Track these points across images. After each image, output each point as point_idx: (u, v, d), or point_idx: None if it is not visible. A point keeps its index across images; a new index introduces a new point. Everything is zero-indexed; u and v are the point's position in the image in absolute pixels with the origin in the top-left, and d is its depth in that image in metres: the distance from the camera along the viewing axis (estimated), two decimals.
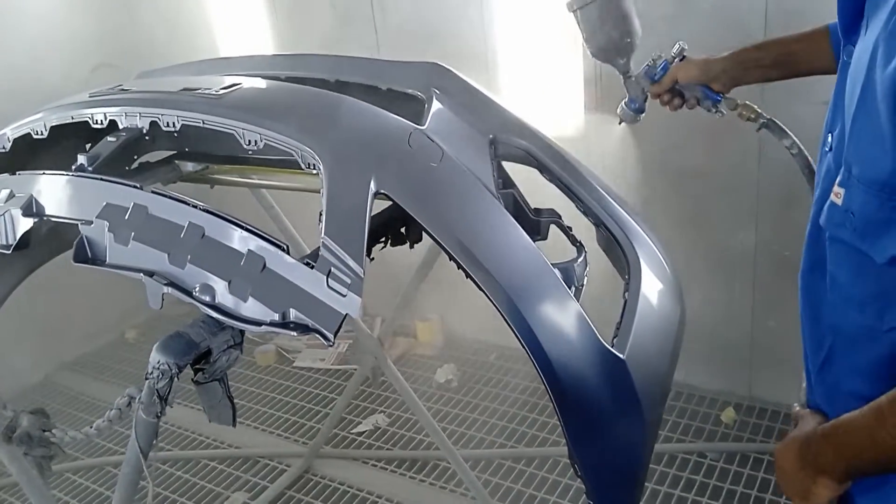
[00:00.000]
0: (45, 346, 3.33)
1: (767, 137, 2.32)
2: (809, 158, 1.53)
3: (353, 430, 2.74)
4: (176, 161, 1.79)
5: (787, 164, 2.34)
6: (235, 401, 2.83)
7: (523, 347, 1.06)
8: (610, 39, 1.49)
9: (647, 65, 1.53)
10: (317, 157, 1.16)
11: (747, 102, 1.54)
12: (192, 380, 1.12)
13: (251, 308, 1.07)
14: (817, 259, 1.02)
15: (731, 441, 2.45)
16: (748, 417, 2.55)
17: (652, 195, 2.51)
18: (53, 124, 1.45)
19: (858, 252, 0.88)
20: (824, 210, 0.94)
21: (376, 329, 3.17)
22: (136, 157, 1.78)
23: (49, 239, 1.56)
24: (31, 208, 1.30)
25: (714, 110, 1.53)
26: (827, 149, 1.00)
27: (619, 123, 1.62)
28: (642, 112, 1.59)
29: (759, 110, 1.55)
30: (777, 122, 1.55)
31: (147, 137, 1.85)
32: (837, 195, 0.89)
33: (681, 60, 1.51)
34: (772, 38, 1.44)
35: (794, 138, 1.55)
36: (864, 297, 0.91)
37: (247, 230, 1.11)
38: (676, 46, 1.51)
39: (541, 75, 2.65)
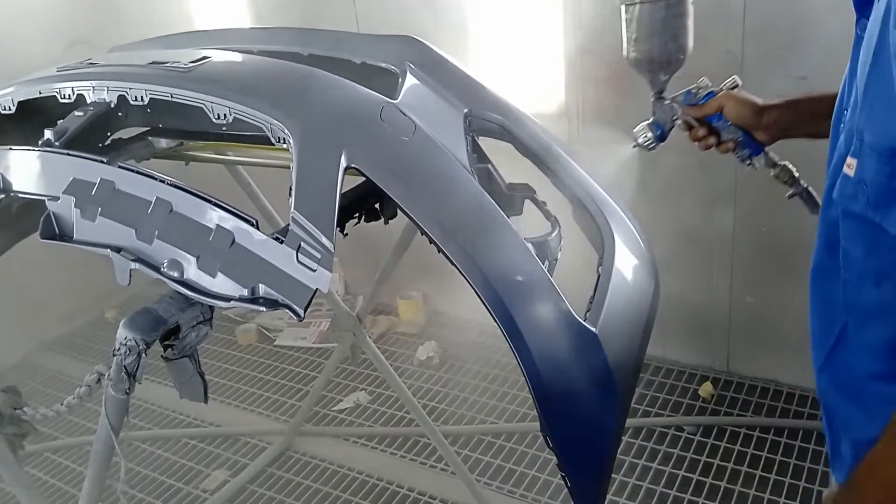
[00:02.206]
0: (23, 325, 3.30)
1: None
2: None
3: (335, 408, 2.74)
4: (149, 137, 1.76)
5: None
6: (216, 379, 2.83)
7: (494, 321, 1.06)
8: (664, 50, 1.27)
9: (689, 90, 1.31)
10: (286, 131, 1.15)
11: (787, 164, 1.32)
12: (162, 356, 1.11)
13: (220, 284, 1.06)
14: (830, 238, 0.99)
15: (708, 415, 2.48)
16: (726, 391, 2.58)
17: (630, 170, 2.51)
18: (21, 99, 1.42)
19: (872, 224, 0.86)
20: (837, 184, 0.92)
21: (358, 307, 3.17)
22: (109, 133, 1.75)
23: (21, 217, 1.54)
24: None
25: (748, 162, 1.32)
26: (842, 125, 0.96)
27: (633, 147, 1.40)
28: (663, 140, 1.37)
29: (797, 175, 1.33)
30: (813, 192, 1.32)
31: (120, 114, 1.82)
32: (850, 166, 0.87)
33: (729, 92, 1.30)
34: (830, 92, 1.23)
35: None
36: (880, 271, 0.89)
37: (215, 205, 1.10)
38: (731, 80, 1.30)
39: (521, 50, 2.62)
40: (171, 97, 1.27)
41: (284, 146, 1.16)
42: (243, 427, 2.70)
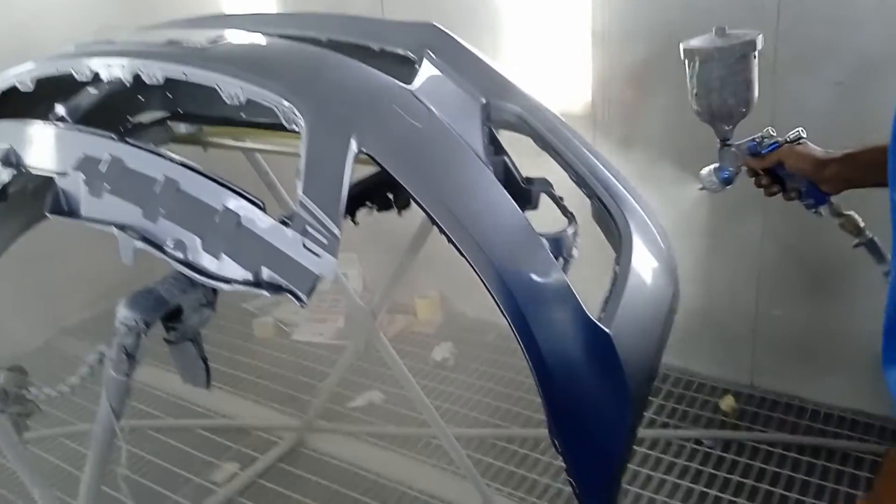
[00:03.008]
0: (45, 311, 3.33)
1: (782, 120, 2.27)
2: None
3: (348, 405, 2.71)
4: (168, 122, 1.76)
5: None
6: (232, 371, 2.81)
7: (503, 314, 1.02)
8: (724, 104, 1.27)
9: (754, 139, 1.30)
10: (297, 113, 1.12)
11: (852, 214, 1.31)
12: (164, 338, 1.09)
13: (223, 266, 1.03)
14: None
15: (729, 429, 2.40)
16: (748, 406, 2.50)
17: (657, 177, 2.45)
18: (37, 76, 1.41)
19: None
20: None
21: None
22: (129, 118, 1.76)
23: (38, 198, 1.53)
24: (9, 158, 1.27)
25: (814, 210, 1.31)
26: None
27: (700, 189, 1.39)
28: (730, 184, 1.35)
29: (863, 225, 1.31)
30: (877, 242, 1.30)
31: (141, 98, 1.83)
32: None
33: (795, 145, 1.28)
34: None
35: (892, 264, 1.18)
36: None
37: (223, 186, 1.08)
38: (795, 132, 1.28)
39: (548, 48, 2.58)
40: (186, 76, 1.25)
41: (295, 129, 1.14)
42: (256, 420, 2.69)
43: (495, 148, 1.36)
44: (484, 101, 1.35)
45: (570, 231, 1.23)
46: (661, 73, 2.32)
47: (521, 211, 1.18)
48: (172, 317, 1.06)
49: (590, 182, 1.33)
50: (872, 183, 1.16)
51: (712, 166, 1.35)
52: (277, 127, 1.50)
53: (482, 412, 2.61)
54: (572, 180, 1.35)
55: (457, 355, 2.94)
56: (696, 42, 1.27)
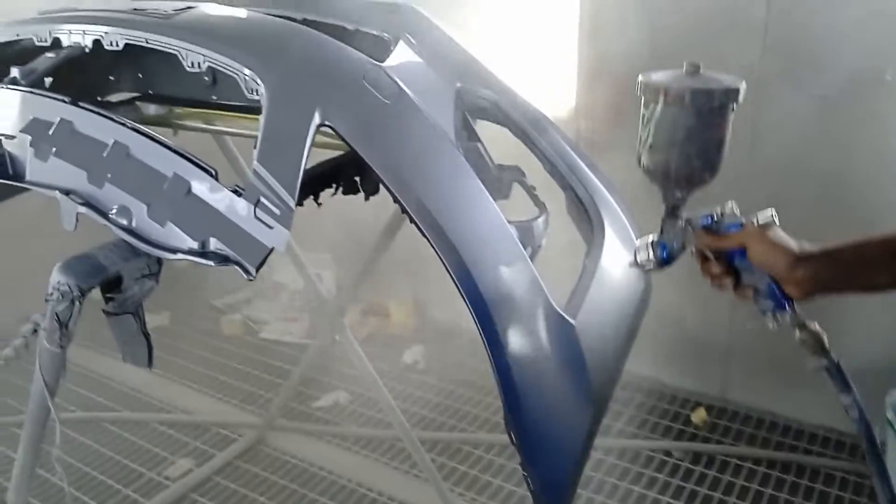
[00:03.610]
0: (4, 303, 3.23)
1: (762, 127, 2.25)
2: (870, 424, 1.11)
3: (313, 405, 2.64)
4: (137, 103, 1.71)
5: (780, 158, 2.27)
6: (195, 368, 2.72)
7: (460, 293, 0.97)
8: (686, 164, 0.98)
9: (710, 214, 1.01)
10: (259, 82, 1.07)
11: (817, 329, 1.02)
12: (102, 309, 1.03)
13: (169, 234, 0.98)
14: None
15: (699, 441, 2.36)
16: (720, 419, 2.46)
17: (635, 183, 2.43)
18: None
19: None
20: None
21: (350, 308, 3.08)
22: (98, 97, 1.70)
23: None
24: None
25: (772, 316, 1.01)
26: None
27: (631, 265, 1.07)
28: (668, 264, 1.06)
29: (828, 346, 1.03)
30: (842, 368, 1.05)
31: (111, 78, 1.77)
32: None
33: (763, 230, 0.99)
34: (879, 236, 0.94)
35: (857, 395, 1.06)
36: None
37: (175, 152, 1.03)
38: (765, 214, 0.98)
39: (533, 51, 2.56)
40: (147, 42, 1.20)
41: (257, 98, 1.09)
42: (215, 416, 2.61)
43: (468, 134, 1.33)
44: (458, 85, 1.31)
45: (539, 220, 1.19)
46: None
47: (489, 196, 1.14)
48: (112, 287, 1.00)
49: (564, 172, 1.30)
50: (854, 287, 0.97)
51: (650, 238, 1.05)
52: (248, 110, 1.46)
53: (450, 416, 2.55)
54: (546, 170, 1.31)
55: (428, 359, 2.88)
56: (661, 77, 0.98)
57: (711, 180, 1.01)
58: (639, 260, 1.05)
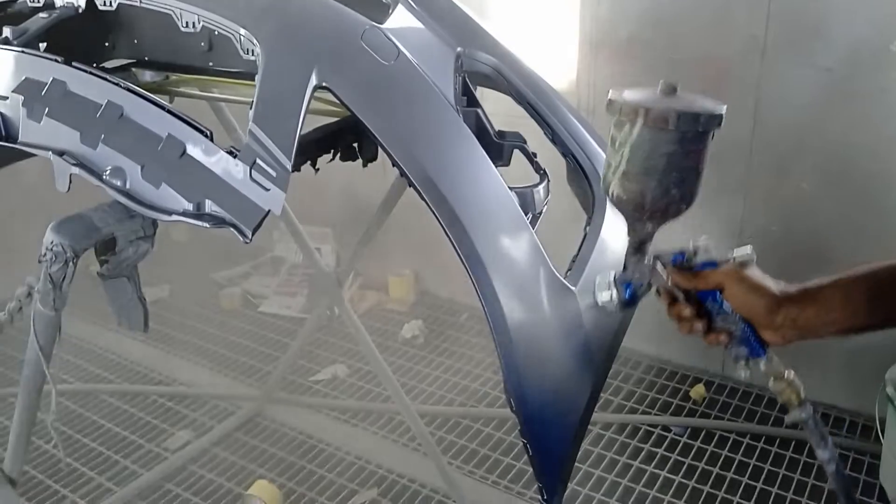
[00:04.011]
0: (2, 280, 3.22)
1: (767, 98, 2.21)
2: (848, 482, 1.00)
3: (311, 378, 2.64)
4: (133, 70, 1.68)
5: (785, 130, 2.24)
6: (194, 340, 2.72)
7: (462, 264, 0.96)
8: (664, 194, 0.86)
9: (682, 252, 0.91)
10: (255, 42, 1.05)
11: (794, 379, 0.92)
12: (97, 272, 1.02)
13: (163, 196, 0.97)
14: None
15: (698, 417, 2.36)
16: (718, 395, 2.46)
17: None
18: None
19: None
20: None
21: (350, 284, 3.07)
22: (94, 63, 1.67)
23: None
24: None
25: (744, 363, 0.91)
26: None
27: (590, 305, 0.99)
28: (631, 305, 0.95)
29: (804, 396, 0.92)
30: (821, 423, 0.94)
31: (107, 44, 1.74)
32: None
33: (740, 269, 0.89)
34: (864, 270, 0.86)
35: (835, 452, 0.93)
36: None
37: (170, 113, 1.01)
38: (742, 251, 0.89)
39: (535, 23, 2.52)
40: (140, 2, 1.17)
41: (253, 58, 1.07)
42: (214, 389, 2.61)
43: (468, 99, 1.30)
44: (459, 49, 1.28)
45: (540, 186, 1.17)
46: (651, 48, 2.27)
47: (490, 161, 1.12)
48: (106, 248, 0.98)
49: (565, 139, 1.27)
50: (839, 329, 0.85)
51: (611, 275, 0.94)
52: (245, 77, 1.43)
53: (448, 391, 2.55)
54: (547, 137, 1.29)
55: (426, 334, 2.88)
56: (637, 96, 0.85)
57: (685, 212, 0.89)
58: (599, 300, 0.94)
